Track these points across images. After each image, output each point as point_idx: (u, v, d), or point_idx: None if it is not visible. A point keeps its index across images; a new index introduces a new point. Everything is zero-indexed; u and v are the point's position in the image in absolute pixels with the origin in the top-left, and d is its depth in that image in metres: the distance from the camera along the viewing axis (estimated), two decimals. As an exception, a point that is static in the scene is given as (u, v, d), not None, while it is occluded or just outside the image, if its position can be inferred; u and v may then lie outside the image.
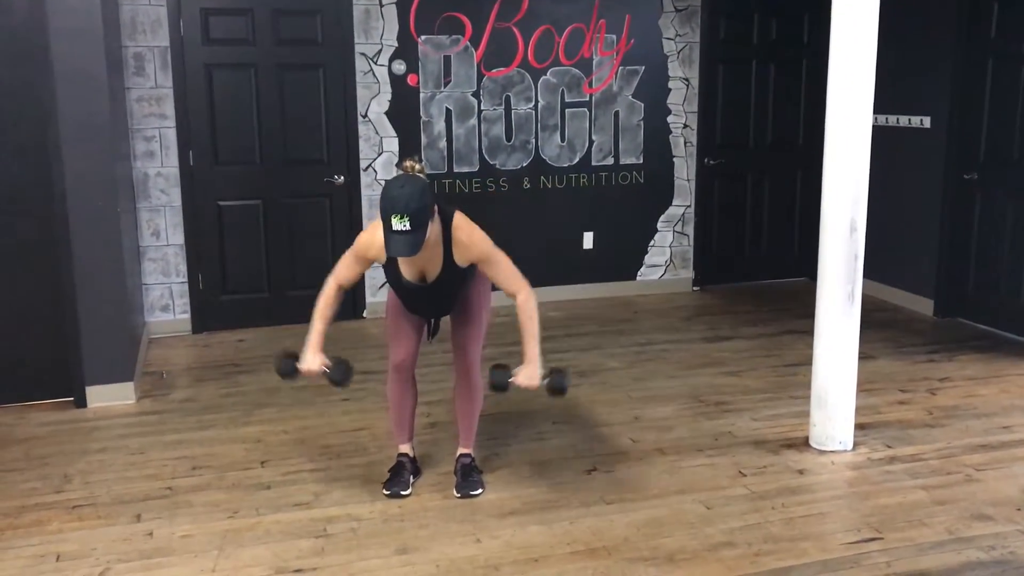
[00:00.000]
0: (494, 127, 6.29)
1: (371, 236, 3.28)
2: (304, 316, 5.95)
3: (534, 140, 6.39)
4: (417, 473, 3.68)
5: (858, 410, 4.01)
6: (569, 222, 6.57)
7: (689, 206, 6.80)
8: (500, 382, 3.30)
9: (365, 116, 6.01)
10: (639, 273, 6.81)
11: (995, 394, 4.62)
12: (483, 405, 3.67)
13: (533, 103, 6.34)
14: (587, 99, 6.45)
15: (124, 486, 3.65)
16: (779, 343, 5.51)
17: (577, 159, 6.51)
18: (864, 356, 4.31)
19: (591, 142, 6.52)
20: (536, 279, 6.36)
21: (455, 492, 3.54)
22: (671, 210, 6.78)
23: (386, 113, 6.05)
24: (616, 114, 6.52)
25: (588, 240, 6.64)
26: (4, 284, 4.43)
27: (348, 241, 5.95)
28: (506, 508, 3.44)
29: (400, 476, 3.58)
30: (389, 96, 6.04)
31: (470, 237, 3.27)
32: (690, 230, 6.84)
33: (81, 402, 4.53)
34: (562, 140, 6.45)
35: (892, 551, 3.12)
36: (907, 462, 3.82)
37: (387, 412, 3.76)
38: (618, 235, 6.68)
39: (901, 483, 3.63)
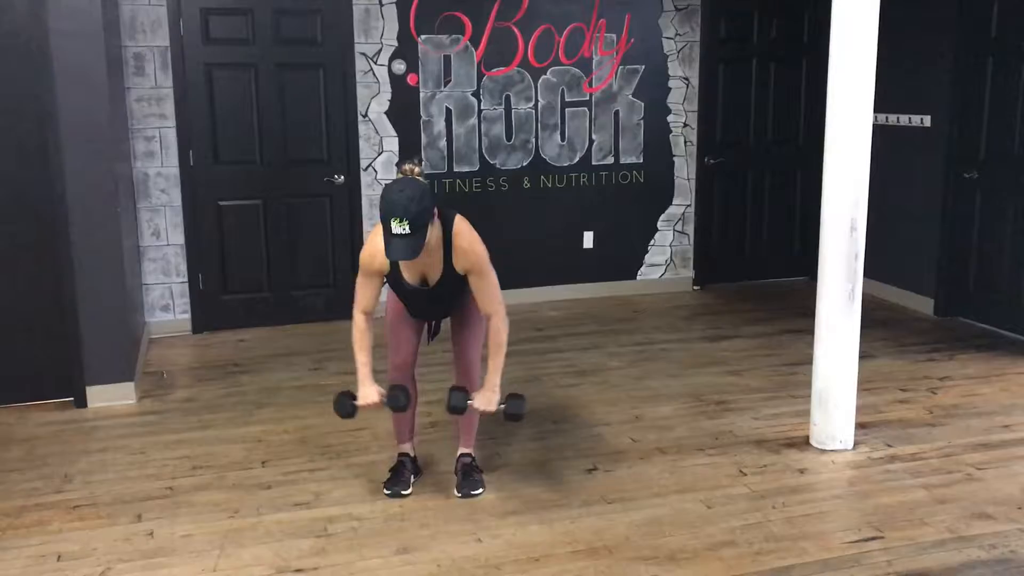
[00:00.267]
0: (494, 126, 6.29)
1: (372, 248, 3.28)
2: (305, 315, 6.03)
3: (534, 139, 6.39)
4: (418, 473, 3.68)
5: (859, 409, 4.01)
6: (569, 221, 6.57)
7: (689, 205, 6.80)
8: (457, 404, 3.35)
9: (365, 116, 6.01)
10: (639, 272, 6.81)
11: (995, 393, 4.62)
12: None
13: (533, 102, 6.34)
14: (587, 98, 6.45)
15: (125, 486, 3.65)
16: (779, 342, 5.51)
17: (577, 158, 6.51)
18: (865, 355, 4.31)
19: (591, 141, 6.51)
20: (536, 278, 6.47)
21: (456, 492, 3.54)
22: (671, 209, 6.78)
23: (386, 113, 6.05)
24: (616, 113, 6.52)
25: (588, 239, 6.64)
26: (4, 284, 4.43)
27: (349, 240, 6.02)
28: (507, 507, 3.44)
29: (401, 475, 3.58)
30: (389, 96, 6.04)
31: (470, 245, 3.28)
32: (690, 229, 6.84)
33: (82, 402, 4.53)
34: (562, 139, 6.45)
35: (893, 550, 3.12)
36: (908, 461, 3.82)
37: (388, 412, 3.76)
38: (618, 234, 6.68)
39: (902, 482, 3.63)
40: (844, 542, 3.18)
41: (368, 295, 3.37)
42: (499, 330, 3.34)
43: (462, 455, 3.65)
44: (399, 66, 6.02)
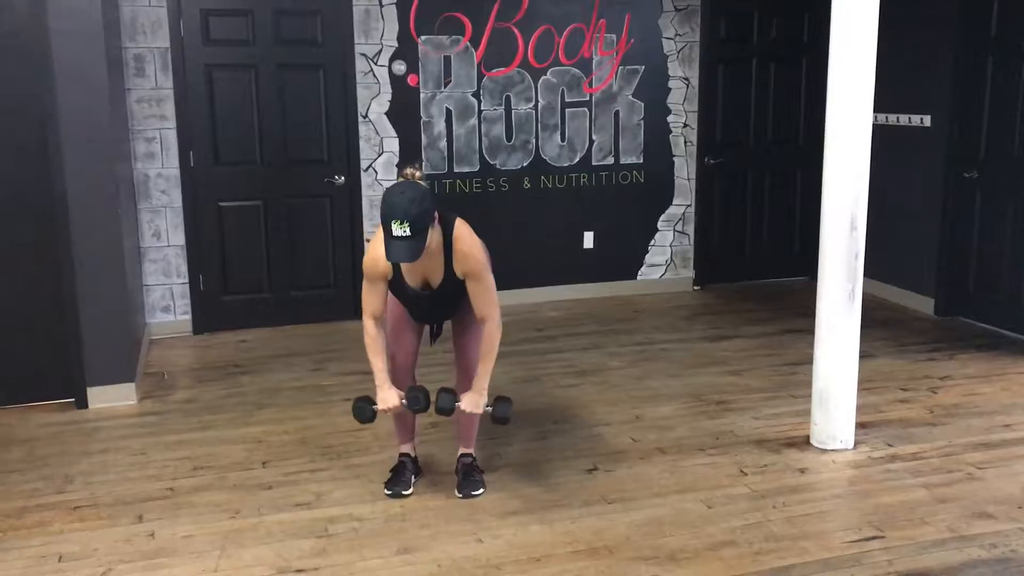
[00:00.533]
0: (494, 127, 6.29)
1: (374, 253, 3.28)
2: (306, 316, 6.03)
3: (534, 140, 6.39)
4: (418, 473, 3.68)
5: (859, 409, 4.01)
6: (569, 222, 6.58)
7: (689, 205, 6.81)
8: (444, 406, 3.37)
9: (365, 116, 6.02)
10: (640, 272, 6.81)
11: (996, 392, 4.62)
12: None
13: (533, 103, 6.34)
14: (587, 99, 6.45)
15: (126, 487, 3.66)
16: (780, 342, 5.52)
17: (577, 159, 6.51)
18: (865, 355, 4.31)
19: (591, 142, 6.52)
20: (537, 279, 6.47)
21: (456, 492, 3.55)
22: (671, 209, 6.78)
23: (386, 113, 6.06)
24: (616, 114, 6.52)
25: (588, 240, 6.64)
26: (5, 285, 4.43)
27: (350, 241, 6.02)
28: (507, 508, 3.44)
29: (401, 476, 3.58)
30: (389, 96, 6.04)
31: (470, 249, 3.28)
32: (691, 229, 6.84)
33: (82, 403, 4.53)
34: (562, 140, 6.45)
35: (893, 549, 3.12)
36: (908, 460, 3.82)
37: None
38: (618, 234, 6.68)
39: (902, 482, 3.63)
40: (845, 542, 3.18)
41: (375, 300, 3.38)
42: (492, 335, 3.35)
43: (463, 455, 3.66)
44: (399, 67, 6.02)
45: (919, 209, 6.13)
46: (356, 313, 6.08)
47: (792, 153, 7.00)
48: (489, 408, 3.41)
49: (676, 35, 6.53)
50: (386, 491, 3.54)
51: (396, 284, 3.38)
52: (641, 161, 6.64)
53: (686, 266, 6.90)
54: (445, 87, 6.14)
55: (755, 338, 5.62)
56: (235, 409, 4.52)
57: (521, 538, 3.22)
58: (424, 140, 6.16)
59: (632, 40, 6.44)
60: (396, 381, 3.53)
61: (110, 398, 4.56)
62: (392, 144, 6.09)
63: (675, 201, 6.78)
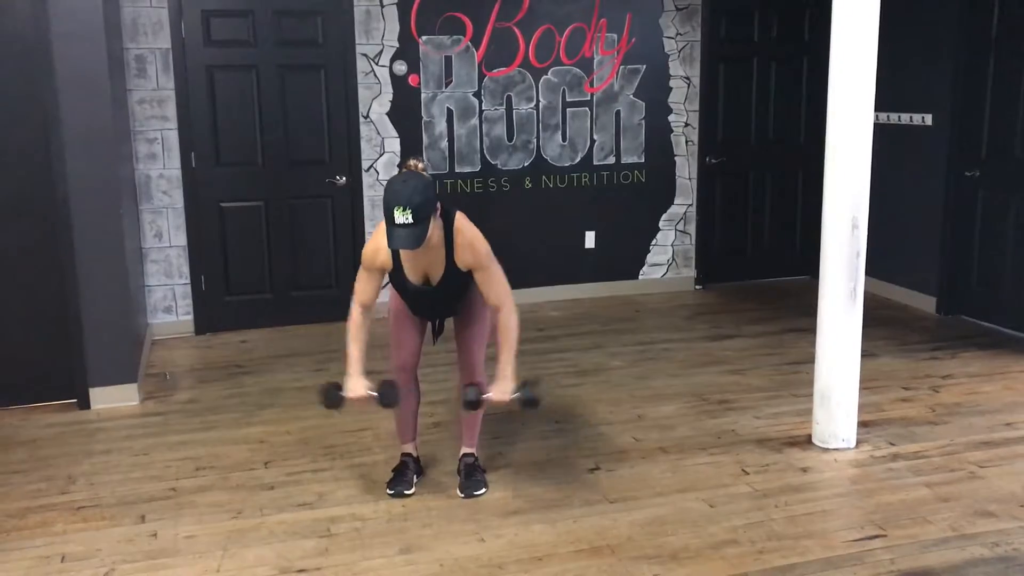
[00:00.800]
0: (495, 127, 6.30)
1: (375, 244, 3.29)
2: (307, 316, 6.04)
3: (535, 140, 6.40)
4: (420, 473, 3.69)
5: (861, 408, 4.02)
6: (571, 221, 6.58)
7: (691, 205, 6.81)
8: (473, 399, 3.36)
9: (366, 117, 6.02)
10: (641, 272, 6.81)
11: (998, 391, 4.62)
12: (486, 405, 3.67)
13: (534, 103, 6.34)
14: (588, 98, 6.45)
15: (128, 487, 3.66)
16: (782, 341, 5.52)
17: (579, 158, 6.51)
18: (867, 354, 4.31)
19: (592, 141, 6.52)
20: (538, 279, 6.47)
21: (459, 491, 3.55)
22: (673, 209, 6.78)
23: (387, 114, 6.06)
24: (617, 113, 6.53)
25: (590, 239, 6.64)
26: (7, 286, 4.44)
27: (351, 241, 6.02)
28: (509, 507, 3.44)
29: (403, 476, 3.59)
30: (390, 96, 6.05)
31: (471, 242, 3.28)
32: (692, 229, 6.84)
33: (85, 404, 4.54)
34: (563, 140, 6.46)
35: (895, 548, 3.12)
36: (910, 459, 3.82)
37: (390, 412, 3.76)
38: (620, 234, 6.68)
39: (904, 480, 3.63)
40: (847, 540, 3.18)
41: (367, 289, 3.37)
42: (508, 321, 3.31)
43: (465, 455, 3.66)
44: (400, 67, 6.02)
45: (921, 208, 6.13)
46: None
47: (793, 152, 7.00)
48: (518, 394, 3.33)
49: (677, 34, 6.53)
50: (388, 491, 3.55)
51: (397, 279, 3.38)
52: (642, 161, 6.64)
53: (688, 265, 6.90)
54: (446, 87, 6.15)
55: (757, 337, 5.62)
56: (237, 409, 4.53)
57: (523, 537, 3.22)
58: (425, 140, 6.16)
59: (633, 39, 6.44)
60: (399, 380, 3.54)
61: (112, 399, 4.57)
62: (393, 144, 6.09)
63: (676, 200, 6.78)
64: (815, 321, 3.94)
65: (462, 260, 3.29)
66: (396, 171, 5.94)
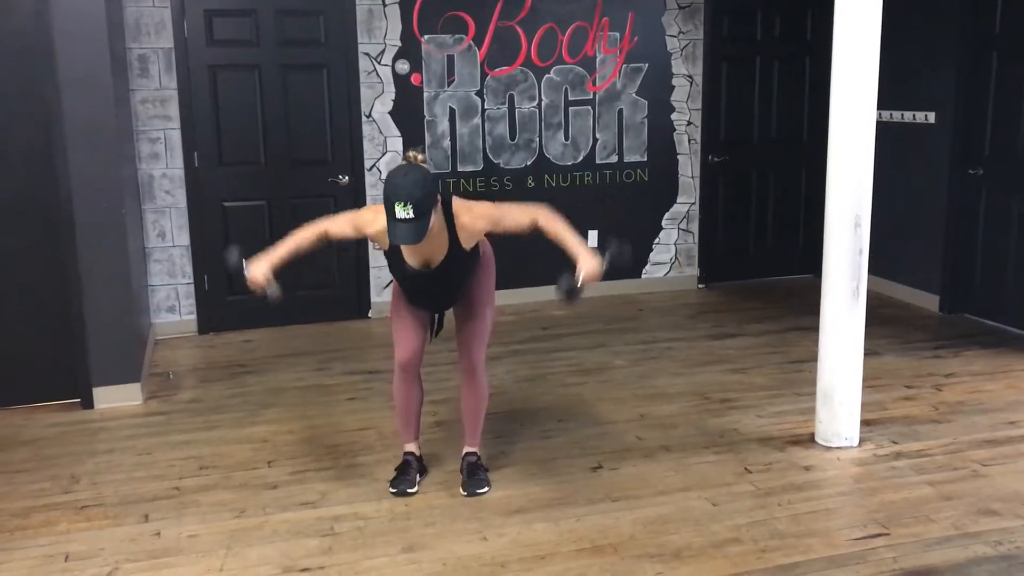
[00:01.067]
0: (498, 126, 6.30)
1: (375, 216, 3.26)
2: (310, 316, 6.04)
3: (538, 139, 6.40)
4: (423, 472, 3.69)
5: (864, 406, 4.01)
6: (573, 220, 6.49)
7: (694, 203, 6.80)
8: (567, 287, 3.20)
9: (369, 116, 6.02)
10: (644, 271, 6.81)
11: (1001, 389, 4.62)
12: (488, 404, 3.68)
13: (537, 102, 6.34)
14: (591, 97, 6.45)
15: (132, 486, 3.67)
16: (784, 340, 5.51)
17: (581, 157, 6.51)
18: (870, 352, 4.31)
19: (595, 140, 6.52)
20: (541, 278, 6.46)
21: (461, 490, 3.55)
22: (676, 207, 6.78)
23: (390, 113, 6.06)
24: (620, 112, 6.52)
25: (593, 238, 6.62)
26: (11, 286, 4.45)
27: (352, 242, 5.99)
28: (512, 506, 3.44)
29: (406, 475, 3.59)
30: (393, 96, 6.05)
31: (472, 214, 3.26)
32: (695, 227, 6.84)
33: (88, 403, 4.55)
34: (566, 138, 6.45)
35: (898, 547, 3.12)
36: (913, 458, 3.82)
37: (393, 411, 3.77)
38: (623, 233, 6.64)
39: (907, 479, 3.63)
40: (850, 539, 3.18)
41: (337, 231, 3.35)
42: (551, 219, 3.30)
43: (467, 454, 3.66)
44: (403, 66, 6.03)
45: (923, 206, 6.12)
46: (361, 313, 6.16)
47: (796, 151, 6.99)
48: (607, 254, 3.26)
49: (680, 33, 6.53)
50: (391, 490, 3.55)
51: (395, 262, 3.36)
52: (645, 159, 6.63)
53: (690, 264, 6.89)
54: (448, 86, 6.15)
55: (759, 336, 5.62)
56: (240, 409, 4.53)
57: (526, 536, 3.22)
58: (428, 139, 6.16)
59: (635, 38, 6.44)
60: (402, 378, 3.54)
61: (116, 398, 4.57)
62: (396, 143, 6.10)
63: (679, 199, 6.77)
64: (818, 320, 3.94)
65: (470, 237, 3.27)
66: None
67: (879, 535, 3.20)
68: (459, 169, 6.26)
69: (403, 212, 3.00)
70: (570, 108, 6.41)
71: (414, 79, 6.07)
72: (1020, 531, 3.21)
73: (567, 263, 3.23)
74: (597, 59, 6.40)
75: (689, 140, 6.71)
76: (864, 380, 3.95)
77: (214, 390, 4.82)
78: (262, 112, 5.82)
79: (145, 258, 5.74)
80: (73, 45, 4.31)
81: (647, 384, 4.78)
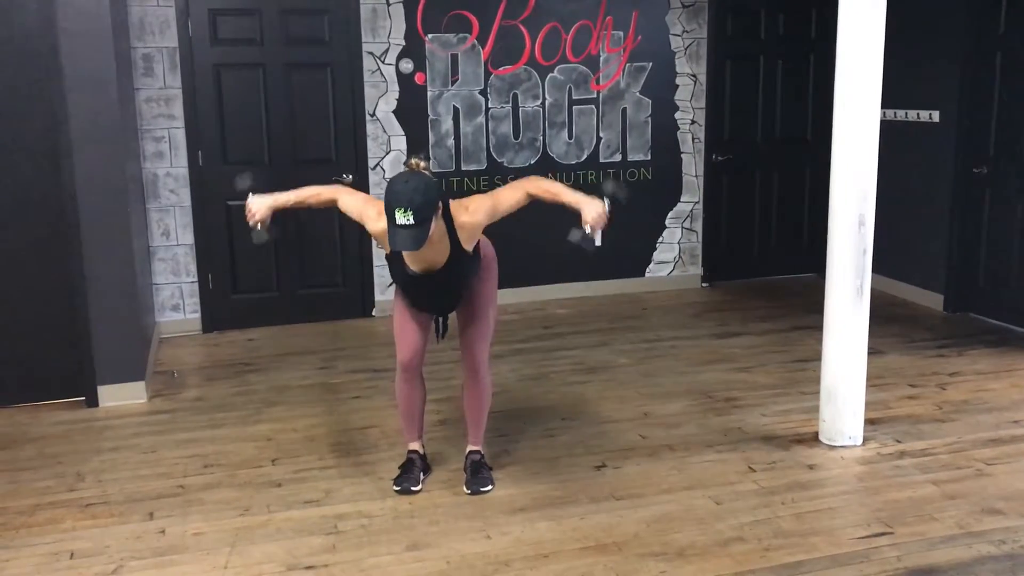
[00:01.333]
0: (502, 125, 6.30)
1: (379, 215, 3.26)
2: (314, 314, 6.05)
3: (542, 137, 6.40)
4: (427, 470, 3.69)
5: (868, 405, 4.01)
6: (577, 219, 6.54)
7: (697, 202, 6.80)
8: (577, 239, 3.34)
9: (373, 115, 6.03)
10: (648, 270, 6.81)
11: (1005, 388, 4.61)
12: (492, 403, 3.68)
13: (540, 100, 6.34)
14: (594, 96, 6.45)
15: (136, 484, 3.68)
16: (788, 339, 5.51)
17: (585, 156, 6.51)
18: (873, 351, 4.31)
19: (599, 139, 6.52)
20: (544, 276, 6.46)
21: (465, 488, 3.55)
22: (679, 206, 6.77)
23: (394, 112, 6.07)
24: (624, 111, 6.52)
25: (596, 237, 6.62)
26: (16, 285, 4.46)
27: (357, 239, 6.03)
28: (516, 504, 3.45)
29: (410, 473, 3.59)
30: (397, 95, 6.05)
31: (469, 211, 3.28)
32: (699, 226, 6.84)
33: (93, 402, 4.56)
34: (570, 137, 6.45)
35: (902, 545, 3.12)
36: (917, 457, 3.82)
37: (396, 410, 3.77)
38: (626, 232, 6.67)
39: (911, 478, 3.63)
40: (853, 538, 3.18)
41: (347, 206, 3.47)
42: (539, 185, 3.45)
43: (471, 452, 3.66)
44: (406, 65, 6.03)
45: (928, 205, 6.11)
46: (365, 311, 6.16)
47: (800, 149, 6.99)
48: (606, 198, 3.40)
49: (683, 32, 6.52)
50: (395, 488, 3.55)
51: (396, 266, 3.36)
52: (649, 158, 6.63)
53: (694, 263, 6.89)
54: (452, 85, 6.15)
55: (763, 335, 5.62)
56: (244, 407, 4.54)
57: (530, 534, 3.23)
58: (432, 138, 6.17)
59: (639, 37, 6.44)
60: (405, 377, 3.54)
61: (120, 396, 4.58)
62: (400, 142, 6.10)
63: (683, 198, 6.77)
64: (822, 319, 3.93)
65: (470, 235, 3.29)
66: (402, 169, 5.96)
67: (883, 534, 3.20)
68: (463, 168, 6.26)
69: (403, 218, 3.01)
70: (574, 107, 6.42)
71: (418, 78, 6.07)
72: (1024, 530, 3.21)
73: (573, 219, 3.39)
74: (601, 58, 6.40)
75: (693, 139, 6.70)
76: (868, 379, 3.96)
77: (218, 388, 4.83)
78: (266, 111, 5.83)
79: (149, 257, 5.75)
80: (78, 44, 4.32)
81: (651, 383, 4.78)
